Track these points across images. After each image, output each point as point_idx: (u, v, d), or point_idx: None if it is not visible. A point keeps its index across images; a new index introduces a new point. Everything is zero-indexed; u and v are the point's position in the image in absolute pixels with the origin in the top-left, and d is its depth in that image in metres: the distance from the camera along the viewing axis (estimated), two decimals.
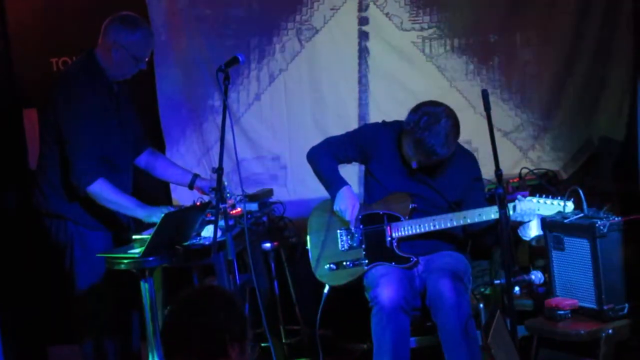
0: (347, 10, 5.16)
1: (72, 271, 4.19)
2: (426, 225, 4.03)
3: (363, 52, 5.19)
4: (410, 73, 5.16)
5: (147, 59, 4.23)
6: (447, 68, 5.13)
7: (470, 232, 4.16)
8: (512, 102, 5.12)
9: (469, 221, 3.99)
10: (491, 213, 3.92)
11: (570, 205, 3.94)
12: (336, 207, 4.14)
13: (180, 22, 5.27)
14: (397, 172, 4.13)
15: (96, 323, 4.23)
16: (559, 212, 3.95)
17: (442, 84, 5.12)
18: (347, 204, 4.11)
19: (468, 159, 4.20)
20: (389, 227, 4.09)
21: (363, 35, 5.17)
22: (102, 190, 4.03)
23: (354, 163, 4.43)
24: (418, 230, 4.05)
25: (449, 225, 4.01)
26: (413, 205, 4.08)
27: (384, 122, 4.28)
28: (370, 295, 3.93)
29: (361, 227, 4.14)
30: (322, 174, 4.26)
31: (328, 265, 4.17)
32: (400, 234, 4.08)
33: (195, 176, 4.46)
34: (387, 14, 5.12)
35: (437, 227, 4.02)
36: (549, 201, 3.98)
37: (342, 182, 4.19)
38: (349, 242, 4.17)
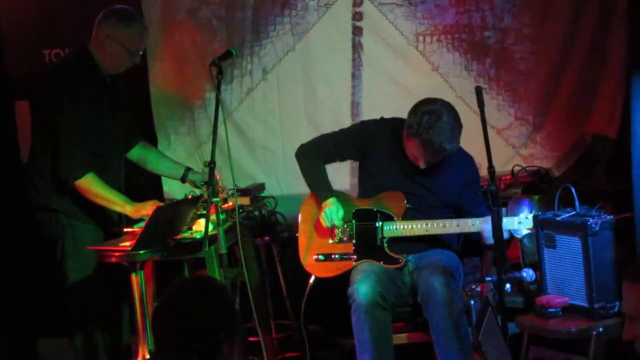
0: (341, 5, 5.13)
1: (63, 264, 4.18)
2: (419, 228, 4.01)
3: (357, 48, 5.17)
4: (403, 69, 5.15)
5: (141, 53, 4.22)
6: (441, 64, 5.11)
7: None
8: (505, 99, 5.11)
9: (460, 230, 3.98)
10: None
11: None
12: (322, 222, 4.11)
13: (174, 15, 5.26)
14: (393, 170, 4.10)
15: (86, 316, 4.22)
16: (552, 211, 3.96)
17: (436, 80, 5.10)
18: (331, 220, 4.08)
19: (465, 160, 4.16)
20: (380, 226, 4.08)
21: (357, 31, 5.16)
22: (91, 185, 4.01)
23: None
24: (410, 233, 4.03)
25: (441, 232, 3.99)
26: (407, 206, 4.06)
27: (382, 118, 4.23)
28: (349, 292, 3.91)
29: (353, 222, 4.13)
30: (308, 177, 4.23)
31: (316, 256, 4.15)
32: (392, 234, 4.06)
33: (188, 169, 4.45)
34: (381, 10, 5.11)
35: (430, 232, 4.00)
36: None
37: (328, 192, 4.16)
38: (340, 235, 4.16)
